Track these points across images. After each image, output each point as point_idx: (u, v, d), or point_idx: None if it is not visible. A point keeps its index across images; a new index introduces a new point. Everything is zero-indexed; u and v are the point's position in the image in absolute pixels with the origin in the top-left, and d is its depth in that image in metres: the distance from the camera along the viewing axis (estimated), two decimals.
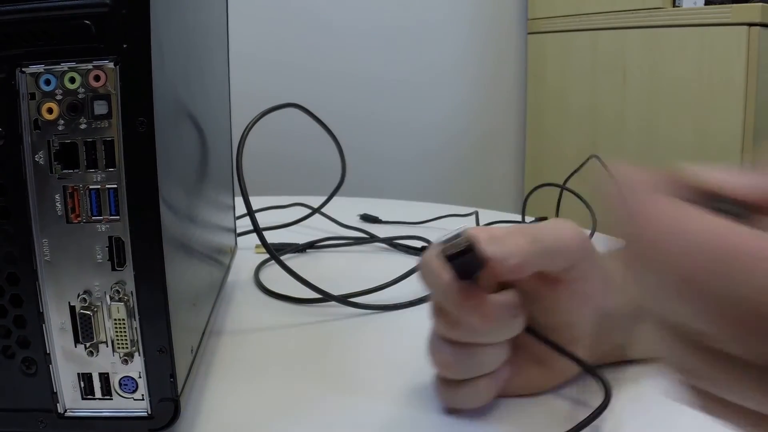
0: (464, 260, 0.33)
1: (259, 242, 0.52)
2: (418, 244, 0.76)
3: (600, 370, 0.40)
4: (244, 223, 0.68)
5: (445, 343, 0.38)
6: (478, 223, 0.86)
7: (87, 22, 0.30)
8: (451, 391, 0.40)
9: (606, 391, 0.39)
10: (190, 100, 0.41)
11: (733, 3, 1.37)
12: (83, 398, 0.34)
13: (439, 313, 0.39)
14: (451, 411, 0.40)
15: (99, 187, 0.31)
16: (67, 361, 0.33)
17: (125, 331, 0.33)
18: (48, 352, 0.33)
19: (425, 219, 0.88)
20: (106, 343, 0.33)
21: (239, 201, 0.57)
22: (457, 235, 0.34)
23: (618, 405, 0.39)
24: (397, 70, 1.85)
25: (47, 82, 0.30)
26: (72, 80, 0.30)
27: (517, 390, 0.41)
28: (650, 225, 0.20)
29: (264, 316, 0.57)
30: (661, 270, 0.19)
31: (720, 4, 1.39)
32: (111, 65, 0.30)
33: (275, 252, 0.52)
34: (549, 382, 0.42)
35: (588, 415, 0.37)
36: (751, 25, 1.33)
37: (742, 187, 0.21)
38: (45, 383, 0.33)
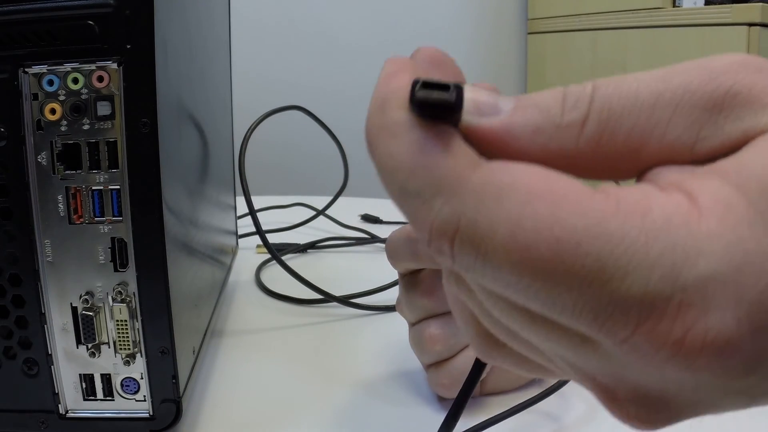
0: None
1: (260, 242, 0.52)
2: None
3: None
4: (246, 223, 0.68)
5: (424, 322, 0.38)
6: None
7: (90, 22, 0.30)
8: (447, 368, 0.38)
9: None
10: (192, 101, 0.41)
11: (733, 3, 1.37)
12: (85, 399, 0.34)
13: (411, 287, 0.37)
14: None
15: (102, 188, 0.31)
16: (68, 362, 0.33)
17: (127, 332, 0.33)
18: (50, 353, 0.33)
19: None
20: (108, 344, 0.33)
21: (240, 201, 0.57)
22: None
23: (568, 389, 0.40)
24: None
25: (50, 83, 0.30)
26: (75, 81, 0.30)
27: (502, 386, 0.41)
28: (382, 164, 0.16)
29: (265, 317, 0.56)
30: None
31: (720, 4, 1.39)
32: (114, 66, 0.30)
33: (276, 252, 0.52)
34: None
35: (535, 395, 0.37)
36: (751, 25, 1.33)
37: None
38: (46, 384, 0.33)
